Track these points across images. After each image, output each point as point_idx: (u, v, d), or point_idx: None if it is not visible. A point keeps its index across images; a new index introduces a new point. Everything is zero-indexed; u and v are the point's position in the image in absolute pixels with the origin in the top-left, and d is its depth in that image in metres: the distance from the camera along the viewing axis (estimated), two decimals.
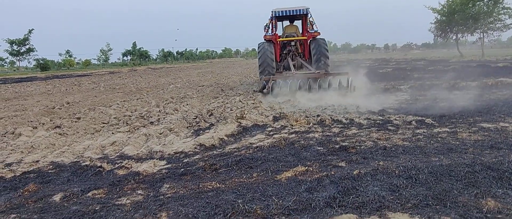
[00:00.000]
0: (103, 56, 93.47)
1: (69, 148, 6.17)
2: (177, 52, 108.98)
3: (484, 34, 42.68)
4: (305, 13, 13.04)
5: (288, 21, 14.40)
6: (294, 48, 13.64)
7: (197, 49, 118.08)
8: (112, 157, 5.58)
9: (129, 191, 3.91)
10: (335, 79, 11.04)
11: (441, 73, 18.44)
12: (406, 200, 3.23)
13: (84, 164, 5.15)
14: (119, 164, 5.04)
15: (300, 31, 14.08)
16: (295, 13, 12.94)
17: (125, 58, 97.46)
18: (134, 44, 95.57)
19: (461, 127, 6.24)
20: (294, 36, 13.59)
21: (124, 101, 12.50)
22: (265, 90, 11.49)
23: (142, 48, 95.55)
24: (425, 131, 6.12)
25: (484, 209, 2.97)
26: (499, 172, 3.81)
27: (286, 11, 12.88)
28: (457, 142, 5.28)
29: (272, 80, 11.40)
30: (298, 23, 14.42)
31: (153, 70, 47.85)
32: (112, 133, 7.29)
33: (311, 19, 13.32)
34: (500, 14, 40.05)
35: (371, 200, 3.25)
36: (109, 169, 4.84)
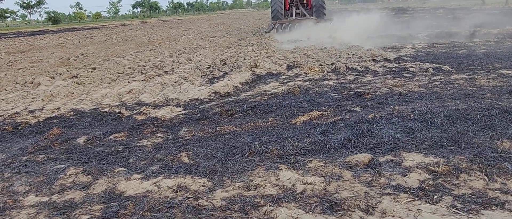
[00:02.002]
0: (113, 8, 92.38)
1: (88, 96, 6.32)
2: (187, 4, 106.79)
3: None
4: None
5: None
6: (298, 0, 16.78)
7: (207, 0, 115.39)
8: (129, 104, 5.71)
9: (148, 134, 4.05)
10: (323, 23, 15.21)
11: (461, 21, 17.76)
12: (421, 141, 3.27)
13: (103, 110, 5.30)
14: (137, 110, 5.17)
15: None
16: None
17: (135, 10, 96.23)
18: None
19: (480, 74, 6.13)
20: None
21: (137, 52, 12.52)
22: (272, 31, 15.73)
23: None
24: (442, 78, 6.03)
25: (499, 149, 2.99)
26: None
27: None
28: (474, 88, 5.21)
29: (278, 23, 15.70)
30: None
31: (164, 22, 47.28)
32: (128, 82, 7.40)
33: None
34: None
35: (385, 142, 3.30)
36: (128, 115, 4.97)
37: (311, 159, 3.06)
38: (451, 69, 6.66)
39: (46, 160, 3.41)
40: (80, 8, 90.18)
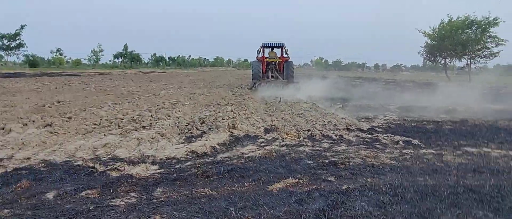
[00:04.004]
0: (94, 57, 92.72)
1: (61, 147, 6.18)
2: (169, 58, 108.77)
3: (472, 60, 43.78)
4: (282, 45, 21.62)
5: (270, 49, 22.60)
6: (273, 66, 21.61)
7: (189, 56, 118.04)
8: (104, 158, 5.61)
9: (122, 193, 3.97)
10: (292, 84, 19.51)
11: (429, 96, 18.88)
12: (392, 216, 3.37)
13: (76, 163, 5.18)
14: (112, 166, 5.09)
15: (278, 55, 22.36)
16: (275, 45, 21.82)
17: (116, 60, 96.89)
18: (126, 47, 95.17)
19: (447, 149, 6.46)
20: (274, 59, 21.96)
21: (115, 103, 12.48)
22: (253, 88, 19.75)
23: (134, 51, 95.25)
24: (412, 151, 6.31)
25: None
26: (481, 195, 3.99)
27: (270, 43, 21.70)
28: (442, 164, 5.47)
29: (258, 82, 19.88)
30: (278, 50, 22.70)
31: (144, 74, 47.69)
32: (104, 134, 7.31)
33: (286, 49, 21.57)
34: (487, 42, 41.24)
35: (358, 215, 3.38)
36: (102, 170, 4.88)
37: None
38: (420, 143, 6.99)
39: (11, 216, 3.27)
40: (61, 54, 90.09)
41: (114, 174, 4.73)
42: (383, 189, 4.08)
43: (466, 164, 5.51)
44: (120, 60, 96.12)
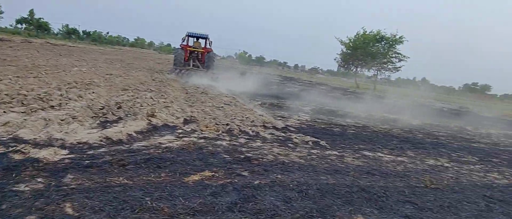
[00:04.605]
0: None
1: None
2: (83, 31, 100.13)
3: (378, 71, 48.74)
4: (206, 36, 22.41)
5: (195, 39, 23.11)
6: (196, 55, 22.35)
7: (107, 33, 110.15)
8: (4, 139, 5.14)
9: (27, 178, 3.74)
10: (210, 74, 20.54)
11: (339, 101, 20.56)
12: (296, 210, 3.76)
13: None
14: (14, 147, 4.70)
15: (202, 46, 22.82)
16: (200, 35, 22.45)
17: (19, 25, 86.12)
18: (32, 12, 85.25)
19: (348, 152, 7.23)
20: (198, 49, 22.58)
21: (18, 77, 11.26)
22: (173, 74, 20.20)
23: (42, 18, 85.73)
24: (318, 151, 6.94)
25: None
26: (370, 194, 4.63)
27: (196, 33, 22.34)
28: (342, 165, 6.14)
29: (179, 69, 20.60)
30: (202, 41, 23.20)
31: (53, 46, 43.25)
32: (4, 111, 6.63)
33: (210, 41, 22.48)
34: (392, 57, 46.28)
35: (267, 208, 3.69)
36: (2, 151, 4.49)
37: None
38: (326, 144, 7.70)
39: None
40: None
41: (17, 156, 4.39)
42: (291, 185, 4.48)
43: (362, 166, 6.26)
44: (23, 26, 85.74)
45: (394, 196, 4.73)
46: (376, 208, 4.20)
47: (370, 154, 7.41)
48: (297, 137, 7.99)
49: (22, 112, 6.75)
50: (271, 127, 8.83)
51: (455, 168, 7.24)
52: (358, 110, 16.18)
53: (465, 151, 9.35)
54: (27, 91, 8.92)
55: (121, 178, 4.06)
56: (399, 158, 7.39)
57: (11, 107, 6.97)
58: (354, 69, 51.98)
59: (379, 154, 7.54)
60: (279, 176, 4.86)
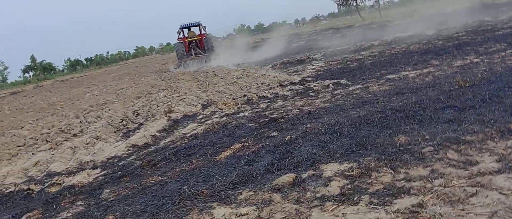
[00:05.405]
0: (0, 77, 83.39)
1: None
2: (85, 59, 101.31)
3: None
4: (198, 23, 23.21)
5: (188, 29, 23.78)
6: (194, 44, 22.94)
7: (108, 53, 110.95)
8: (38, 177, 5.22)
9: (67, 205, 3.76)
10: (213, 56, 21.16)
11: (347, 38, 19.94)
12: (334, 151, 3.60)
13: (8, 191, 4.76)
14: (49, 182, 4.75)
15: (197, 33, 23.49)
16: (192, 24, 23.25)
17: (26, 74, 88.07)
18: (33, 58, 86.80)
19: (371, 82, 6.96)
20: (194, 37, 23.10)
21: (37, 119, 11.49)
22: (180, 67, 20.96)
23: (45, 60, 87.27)
24: (342, 91, 6.71)
25: (397, 144, 3.44)
26: (405, 112, 4.40)
27: (188, 24, 23.18)
28: (369, 95, 5.90)
29: (183, 61, 21.37)
30: (196, 29, 24.18)
31: (62, 82, 44.08)
32: (32, 153, 6.75)
33: (203, 26, 23.13)
34: None
35: (305, 159, 3.56)
36: (39, 189, 4.55)
37: (240, 191, 3.15)
38: (348, 82, 7.44)
39: None
40: None
41: (53, 189, 4.43)
42: (322, 130, 4.31)
43: (390, 89, 6.00)
44: (31, 73, 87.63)
45: (430, 107, 4.48)
46: (416, 124, 3.98)
47: (394, 76, 7.10)
48: (317, 85, 7.76)
49: (48, 149, 6.85)
50: (288, 84, 8.62)
51: (485, 60, 6.84)
52: (368, 39, 15.62)
53: (491, 42, 8.84)
54: (49, 128, 9.07)
55: (155, 177, 4.02)
56: (425, 70, 7.05)
57: (37, 147, 7.09)
58: (354, 3, 50.27)
59: (404, 73, 7.22)
60: (308, 126, 4.69)
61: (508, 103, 4.03)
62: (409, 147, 3.32)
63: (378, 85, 6.55)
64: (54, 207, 3.79)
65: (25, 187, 4.67)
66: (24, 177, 5.35)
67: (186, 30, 23.83)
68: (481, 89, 4.80)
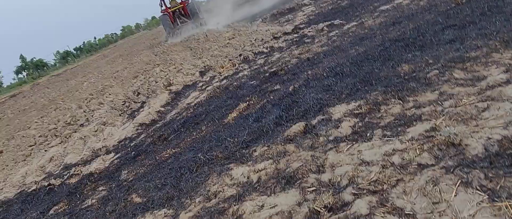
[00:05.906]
0: None
1: (5, 183, 5.73)
2: (75, 49, 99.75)
3: None
4: None
5: None
6: (178, 12, 22.27)
7: (95, 38, 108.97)
8: (56, 172, 5.32)
9: (90, 192, 3.84)
10: (199, 21, 20.72)
11: None
12: (340, 93, 3.58)
13: (30, 190, 4.87)
14: (68, 174, 4.84)
15: (179, 1, 22.45)
16: None
17: (20, 75, 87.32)
18: (23, 57, 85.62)
19: (365, 17, 6.79)
20: (176, 6, 22.29)
21: (42, 117, 11.52)
22: (169, 40, 20.17)
23: (35, 58, 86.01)
24: (337, 31, 6.58)
25: (401, 74, 3.41)
26: (405, 41, 4.32)
27: None
28: (366, 30, 5.78)
29: (171, 32, 20.99)
30: None
31: (57, 76, 43.77)
32: (45, 150, 6.84)
33: None
34: None
35: (311, 106, 3.55)
36: (60, 183, 4.64)
37: (254, 148, 3.18)
38: (341, 21, 7.27)
39: None
40: None
41: (73, 180, 4.53)
42: (324, 74, 4.28)
43: (385, 21, 5.86)
44: (24, 73, 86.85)
45: (429, 31, 4.39)
46: (417, 50, 3.92)
47: (388, 6, 6.91)
48: (311, 30, 7.61)
49: (59, 143, 6.92)
50: (282, 35, 8.46)
51: None
52: None
53: None
54: (55, 124, 9.11)
55: (168, 150, 4.07)
56: None
57: (48, 143, 7.16)
58: None
59: (397, 1, 7.01)
60: (309, 72, 4.65)
61: (509, 12, 3.92)
62: (414, 74, 3.29)
63: (372, 18, 6.40)
64: (78, 196, 3.88)
65: (46, 183, 4.77)
66: (43, 174, 5.45)
67: (167, 1, 23.25)
68: (479, 3, 4.66)
